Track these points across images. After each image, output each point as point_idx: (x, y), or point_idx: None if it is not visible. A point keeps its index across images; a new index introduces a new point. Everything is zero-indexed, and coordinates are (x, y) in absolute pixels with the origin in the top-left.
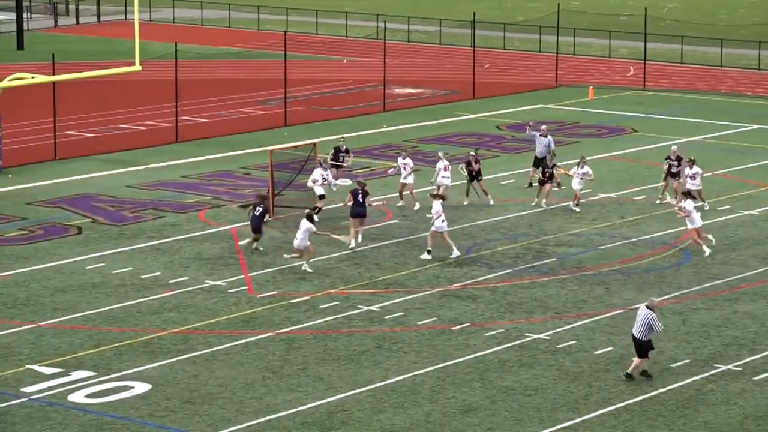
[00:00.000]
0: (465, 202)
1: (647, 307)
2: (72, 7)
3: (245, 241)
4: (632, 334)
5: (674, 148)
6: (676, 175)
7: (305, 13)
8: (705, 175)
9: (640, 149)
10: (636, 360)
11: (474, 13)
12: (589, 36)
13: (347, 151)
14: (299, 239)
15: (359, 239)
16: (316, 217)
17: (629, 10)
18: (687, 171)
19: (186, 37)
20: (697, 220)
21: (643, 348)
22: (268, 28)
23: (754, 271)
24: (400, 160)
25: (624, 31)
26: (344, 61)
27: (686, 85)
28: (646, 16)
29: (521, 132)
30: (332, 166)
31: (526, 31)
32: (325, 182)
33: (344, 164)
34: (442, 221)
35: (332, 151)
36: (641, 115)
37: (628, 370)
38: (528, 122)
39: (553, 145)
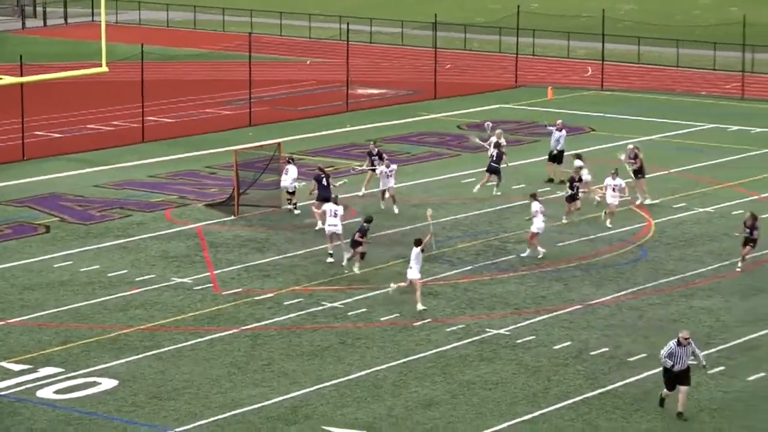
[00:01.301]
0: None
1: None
2: (39, 9)
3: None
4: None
5: (630, 146)
6: (637, 173)
7: (269, 14)
8: (661, 173)
9: (598, 148)
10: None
11: (435, 14)
12: (548, 37)
13: (379, 154)
14: (414, 269)
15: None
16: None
17: (587, 12)
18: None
19: (152, 39)
20: (538, 225)
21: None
22: (233, 29)
23: (709, 267)
24: (384, 168)
25: (582, 33)
26: (308, 62)
27: (643, 85)
28: (604, 18)
29: (480, 131)
30: (372, 170)
31: (486, 32)
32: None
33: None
34: (330, 225)
35: (367, 159)
36: (599, 114)
37: (680, 409)
38: (545, 122)
39: (563, 140)
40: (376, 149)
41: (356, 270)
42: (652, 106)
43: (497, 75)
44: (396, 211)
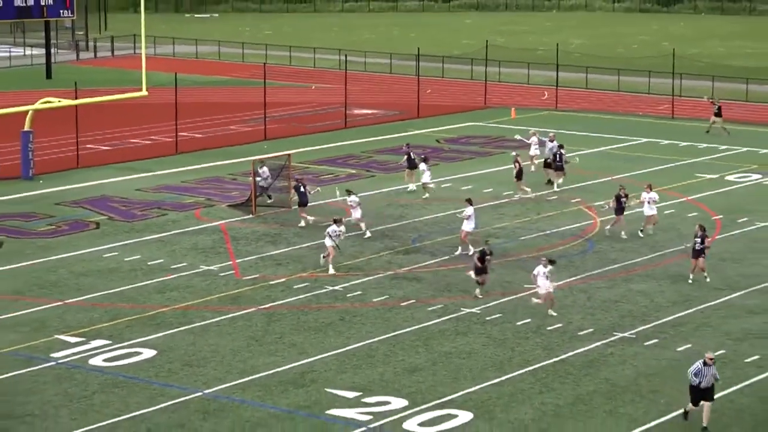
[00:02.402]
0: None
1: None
2: (91, 43)
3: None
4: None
5: (513, 153)
6: (518, 176)
7: (281, 48)
8: (605, 179)
9: None
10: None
11: (418, 48)
12: (512, 66)
13: (408, 155)
14: (543, 286)
15: (310, 221)
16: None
17: (544, 46)
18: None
19: (184, 68)
20: (471, 225)
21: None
22: (251, 60)
23: (645, 257)
24: (348, 198)
25: (539, 63)
26: (313, 87)
27: (590, 106)
28: (558, 51)
29: (455, 144)
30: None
31: (460, 62)
32: (266, 180)
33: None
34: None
35: (405, 158)
36: (553, 130)
37: (704, 424)
38: (535, 132)
39: (556, 149)
40: (408, 149)
41: (478, 294)
42: (598, 123)
43: (469, 98)
44: (367, 236)
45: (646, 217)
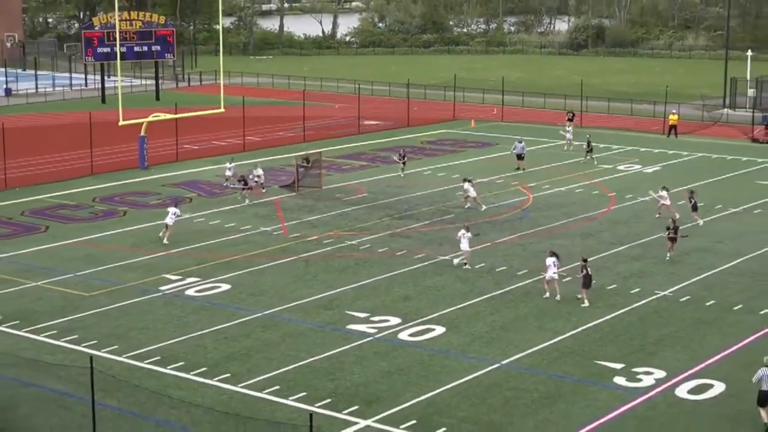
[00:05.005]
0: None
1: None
2: (186, 76)
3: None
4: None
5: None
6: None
7: (315, 79)
8: (538, 168)
9: (499, 155)
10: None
11: (408, 79)
12: (472, 91)
13: (404, 156)
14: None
15: (246, 202)
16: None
17: (494, 78)
18: None
19: (249, 93)
20: (473, 193)
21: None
22: (294, 87)
23: (562, 222)
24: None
25: (491, 89)
26: (336, 106)
27: (525, 119)
28: (503, 81)
29: (433, 146)
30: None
31: (436, 88)
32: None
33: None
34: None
35: (397, 155)
36: (501, 135)
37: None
38: (517, 138)
39: (524, 148)
40: (403, 150)
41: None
42: (532, 131)
43: (443, 113)
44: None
45: (663, 206)
